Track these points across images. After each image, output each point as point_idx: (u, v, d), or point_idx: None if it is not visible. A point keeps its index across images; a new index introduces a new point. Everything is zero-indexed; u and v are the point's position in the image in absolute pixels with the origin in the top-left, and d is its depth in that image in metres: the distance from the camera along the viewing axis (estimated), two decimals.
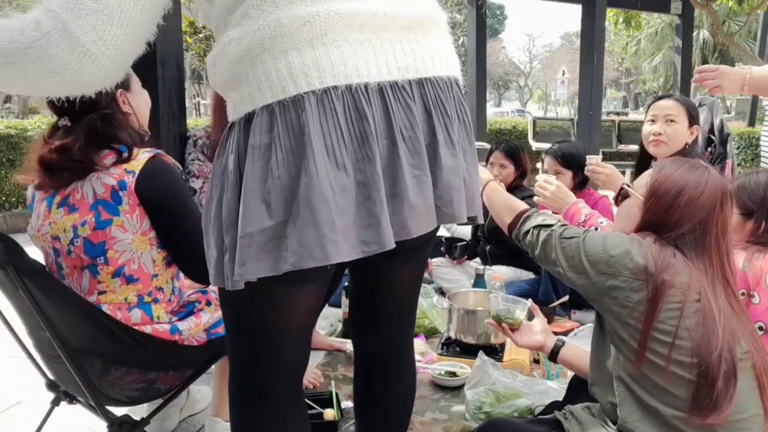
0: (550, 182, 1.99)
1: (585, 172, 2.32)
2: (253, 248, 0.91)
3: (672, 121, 2.25)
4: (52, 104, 1.49)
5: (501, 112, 27.73)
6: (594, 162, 2.23)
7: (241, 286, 0.95)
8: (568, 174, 2.99)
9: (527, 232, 1.46)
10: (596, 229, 1.81)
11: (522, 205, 1.55)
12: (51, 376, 1.64)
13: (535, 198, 2.07)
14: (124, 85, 1.54)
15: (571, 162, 2.99)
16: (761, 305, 1.38)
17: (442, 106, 1.02)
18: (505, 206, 1.57)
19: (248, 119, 0.93)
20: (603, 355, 1.33)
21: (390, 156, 0.96)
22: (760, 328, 1.38)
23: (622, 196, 1.45)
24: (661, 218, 1.27)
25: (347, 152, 0.92)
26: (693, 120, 2.31)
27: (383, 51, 0.96)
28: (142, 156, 1.46)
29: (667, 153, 2.28)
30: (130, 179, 1.43)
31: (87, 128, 1.46)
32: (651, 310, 1.19)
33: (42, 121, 7.05)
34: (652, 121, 2.30)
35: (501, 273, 3.04)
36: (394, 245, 0.95)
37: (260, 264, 0.92)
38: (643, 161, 2.38)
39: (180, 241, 1.51)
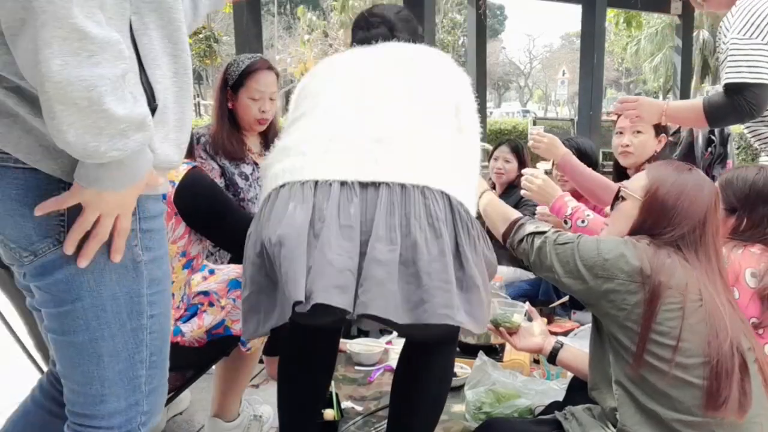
0: (536, 176, 2.06)
1: (528, 142, 2.40)
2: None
3: (639, 132, 2.37)
4: None
5: (511, 112, 27.76)
6: (536, 132, 2.35)
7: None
8: None
9: (521, 240, 1.46)
10: (583, 221, 1.85)
11: (516, 214, 1.56)
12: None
13: (522, 192, 2.11)
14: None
15: (584, 156, 2.94)
16: (740, 301, 1.40)
17: (392, 208, 1.18)
18: (500, 215, 1.58)
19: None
20: (601, 359, 1.33)
21: (326, 234, 1.16)
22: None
23: (617, 199, 1.46)
24: (660, 219, 1.29)
25: (288, 224, 1.17)
26: (660, 129, 2.41)
27: (342, 161, 1.23)
28: (182, 167, 1.48)
29: (635, 162, 2.41)
30: (169, 189, 1.45)
31: None
32: (649, 311, 1.20)
33: None
34: (620, 133, 2.42)
35: (501, 273, 3.03)
36: (298, 299, 1.11)
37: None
38: (618, 169, 2.51)
39: (224, 238, 1.62)
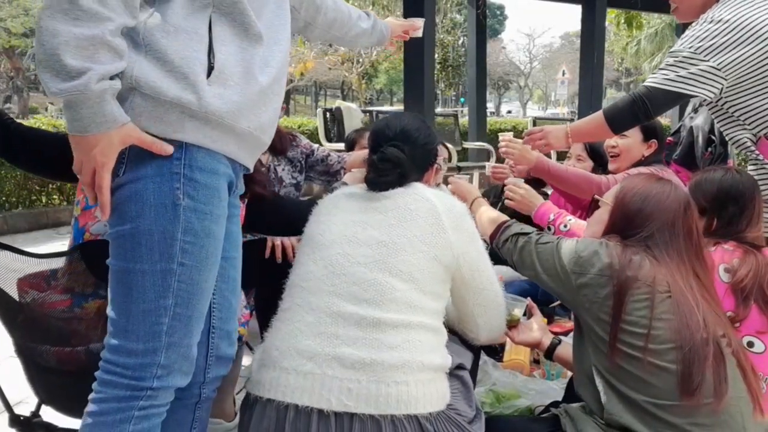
0: (519, 186, 2.13)
1: (499, 148, 2.40)
2: None
3: (624, 135, 2.40)
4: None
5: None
6: (507, 138, 2.37)
7: None
8: (589, 163, 2.89)
9: (506, 240, 1.57)
10: (565, 226, 1.94)
11: (503, 217, 1.68)
12: (16, 411, 1.66)
13: (506, 202, 2.14)
14: None
15: (595, 154, 2.91)
16: None
17: None
18: (488, 218, 1.71)
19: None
20: (583, 355, 1.39)
21: None
22: None
23: (593, 206, 1.53)
24: (626, 222, 1.38)
25: None
26: (649, 134, 2.47)
27: (320, 384, 1.22)
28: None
29: (622, 166, 2.47)
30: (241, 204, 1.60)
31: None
32: (618, 303, 1.28)
33: (41, 121, 7.04)
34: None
35: (501, 272, 3.03)
36: None
37: None
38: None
39: (275, 228, 1.87)
